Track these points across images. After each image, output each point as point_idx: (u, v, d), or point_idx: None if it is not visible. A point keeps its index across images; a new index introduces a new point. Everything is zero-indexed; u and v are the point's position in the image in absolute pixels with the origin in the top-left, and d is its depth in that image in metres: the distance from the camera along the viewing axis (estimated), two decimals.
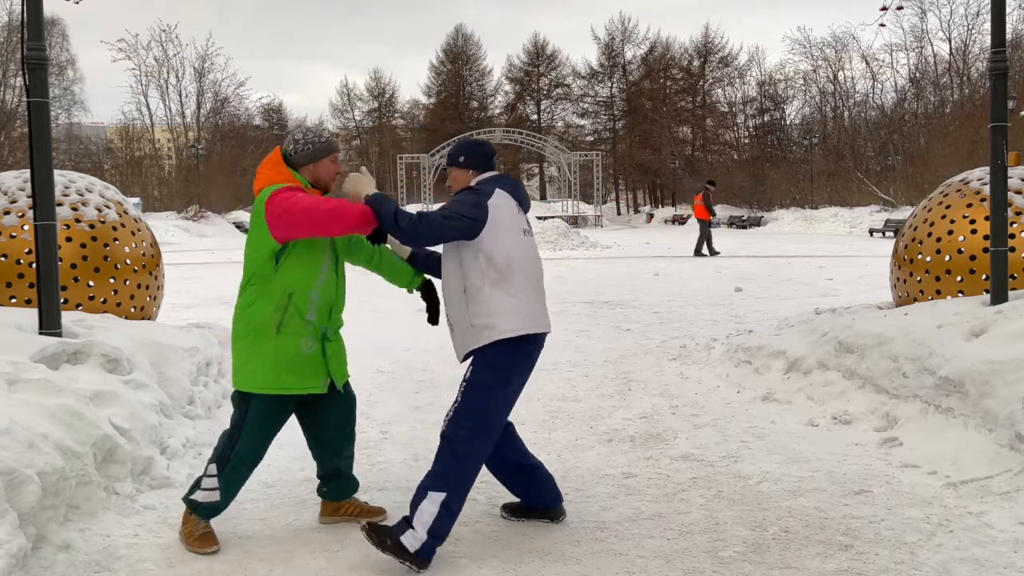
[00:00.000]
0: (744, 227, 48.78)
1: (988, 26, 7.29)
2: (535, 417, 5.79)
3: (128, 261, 6.61)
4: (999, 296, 5.61)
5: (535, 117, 73.64)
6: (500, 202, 3.51)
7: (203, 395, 5.47)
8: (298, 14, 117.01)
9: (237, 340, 3.61)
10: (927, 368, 5.10)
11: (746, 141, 67.06)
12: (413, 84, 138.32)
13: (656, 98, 69.67)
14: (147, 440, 4.41)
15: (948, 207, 6.75)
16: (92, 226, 6.51)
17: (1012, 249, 6.07)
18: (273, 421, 3.63)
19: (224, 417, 5.52)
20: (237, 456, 3.56)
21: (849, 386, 5.74)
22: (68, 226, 6.40)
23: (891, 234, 33.58)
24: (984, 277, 6.18)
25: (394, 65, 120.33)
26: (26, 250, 6.18)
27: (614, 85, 72.90)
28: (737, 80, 67.23)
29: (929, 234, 6.70)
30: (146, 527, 3.79)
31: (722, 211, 54.77)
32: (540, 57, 73.76)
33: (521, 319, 3.45)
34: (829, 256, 21.37)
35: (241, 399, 3.60)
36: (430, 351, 8.46)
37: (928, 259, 6.63)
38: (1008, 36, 7.28)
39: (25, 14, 5.02)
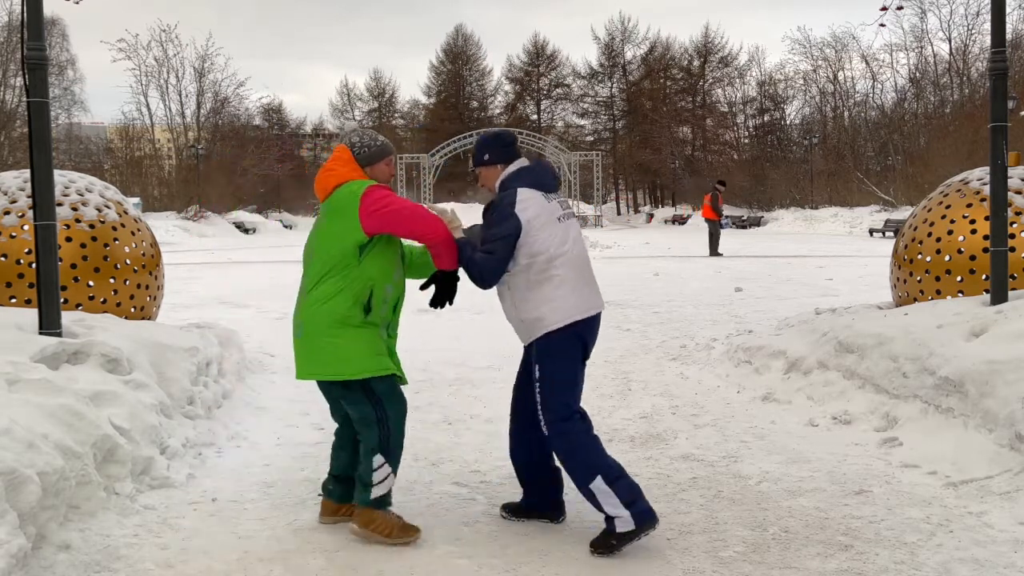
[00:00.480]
0: (744, 227, 48.78)
1: (988, 26, 7.29)
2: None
3: (128, 261, 6.61)
4: (999, 296, 5.61)
5: (535, 117, 73.64)
6: (525, 202, 3.58)
7: (203, 395, 5.46)
8: (298, 14, 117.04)
9: (321, 335, 3.57)
10: (927, 368, 5.10)
11: (746, 141, 67.08)
12: (413, 84, 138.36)
13: (656, 98, 69.66)
14: (147, 440, 4.41)
15: (948, 207, 6.75)
16: (92, 226, 6.51)
17: (1012, 249, 6.07)
18: (395, 388, 3.67)
19: (224, 417, 5.54)
20: (395, 432, 3.62)
21: (849, 386, 5.74)
22: (68, 226, 6.40)
23: (891, 234, 33.58)
24: (984, 277, 6.18)
25: (394, 65, 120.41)
26: (26, 250, 6.18)
27: (614, 85, 72.90)
28: (737, 80, 67.28)
29: (929, 234, 6.70)
30: (146, 527, 3.79)
31: (723, 211, 54.71)
32: (540, 57, 73.77)
33: (567, 308, 3.57)
34: (829, 256, 21.38)
35: (362, 388, 3.59)
36: (430, 351, 8.46)
37: (928, 259, 6.63)
38: (1008, 36, 7.28)
39: (25, 14, 5.02)
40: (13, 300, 6.17)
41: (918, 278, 6.69)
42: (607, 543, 3.49)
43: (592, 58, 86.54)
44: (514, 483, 4.41)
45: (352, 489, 3.85)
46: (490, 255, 3.53)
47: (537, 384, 3.61)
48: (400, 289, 3.74)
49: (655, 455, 4.93)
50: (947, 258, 6.53)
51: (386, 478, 3.61)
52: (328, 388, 3.72)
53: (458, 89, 73.98)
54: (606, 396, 6.39)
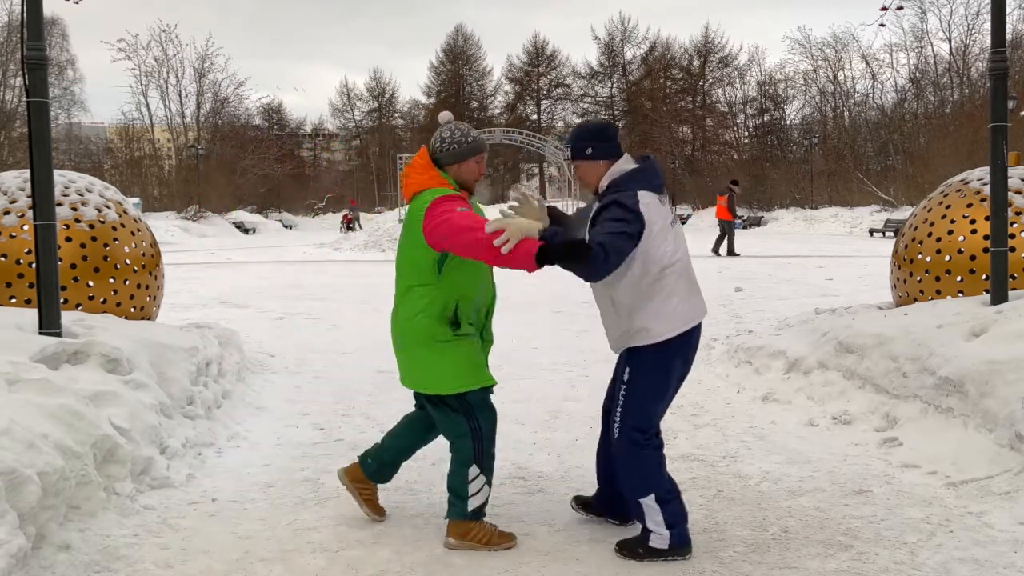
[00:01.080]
0: (744, 227, 48.75)
1: (988, 26, 7.29)
2: (535, 417, 5.79)
3: (128, 261, 6.61)
4: (999, 296, 5.61)
5: (535, 117, 73.58)
6: (647, 206, 3.35)
7: (203, 395, 5.46)
8: (298, 14, 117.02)
9: (414, 348, 3.52)
10: (927, 368, 5.09)
11: (746, 141, 67.05)
12: (413, 84, 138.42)
13: (656, 98, 69.62)
14: (147, 440, 4.41)
15: (948, 207, 6.75)
16: (92, 226, 6.51)
17: (1012, 249, 6.07)
18: (486, 399, 3.62)
19: (224, 417, 5.54)
20: (488, 443, 3.57)
21: (849, 386, 5.74)
22: (68, 226, 6.40)
23: (891, 234, 33.58)
24: (984, 277, 6.18)
25: (393, 65, 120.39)
26: (26, 250, 6.18)
27: (614, 85, 72.85)
28: (737, 80, 67.23)
29: (929, 234, 6.69)
30: (146, 527, 3.79)
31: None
32: (540, 57, 73.72)
33: (675, 321, 3.42)
34: (829, 256, 21.37)
35: (458, 401, 3.54)
36: None
37: (928, 259, 6.63)
38: (1008, 36, 7.28)
39: (25, 14, 5.02)
40: (13, 300, 6.17)
41: (918, 278, 6.69)
42: (634, 550, 3.47)
43: (592, 58, 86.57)
44: (514, 483, 4.42)
45: (388, 472, 3.90)
46: (616, 244, 3.23)
47: (624, 387, 3.48)
48: (490, 293, 3.65)
49: None
50: (947, 258, 6.53)
51: (481, 489, 3.57)
52: (427, 398, 3.65)
53: (458, 89, 73.92)
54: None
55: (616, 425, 3.50)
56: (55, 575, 3.26)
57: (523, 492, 4.30)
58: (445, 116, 3.71)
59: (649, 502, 3.44)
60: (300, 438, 5.35)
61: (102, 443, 3.98)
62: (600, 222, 3.33)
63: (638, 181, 3.42)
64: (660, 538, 3.44)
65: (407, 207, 3.59)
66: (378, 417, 5.87)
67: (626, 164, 3.50)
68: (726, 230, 22.00)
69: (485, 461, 3.57)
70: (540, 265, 3.22)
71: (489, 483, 3.61)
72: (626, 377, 3.49)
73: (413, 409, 3.93)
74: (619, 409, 3.49)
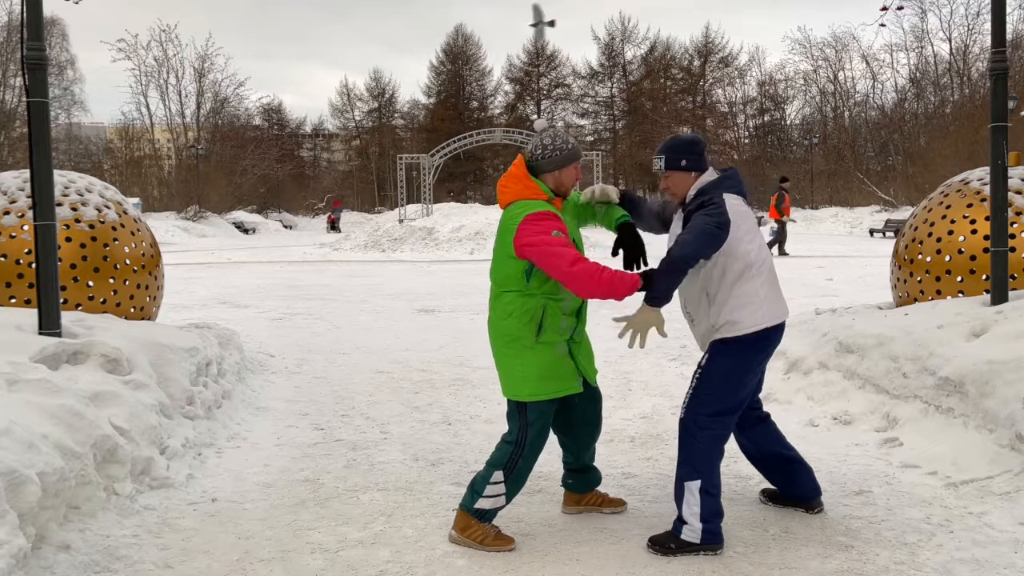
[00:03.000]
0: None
1: (988, 26, 7.28)
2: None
3: (128, 261, 6.61)
4: (999, 296, 5.61)
5: (535, 117, 73.57)
6: (734, 207, 3.56)
7: (203, 395, 5.46)
8: (296, 14, 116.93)
9: (499, 350, 3.65)
10: (927, 368, 5.09)
11: (746, 141, 67.05)
12: (412, 84, 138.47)
13: (656, 98, 69.61)
14: (147, 440, 4.41)
15: (948, 207, 6.75)
16: (92, 226, 6.51)
17: (1012, 249, 6.06)
18: (548, 420, 3.68)
19: (224, 417, 5.54)
20: (524, 460, 3.62)
21: (849, 386, 5.74)
22: (68, 226, 6.40)
23: (891, 234, 33.58)
24: (984, 277, 6.17)
25: (393, 65, 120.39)
26: (26, 250, 6.18)
27: (614, 85, 72.82)
28: (737, 80, 67.23)
29: (929, 234, 6.69)
30: (146, 527, 3.79)
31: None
32: (540, 57, 73.71)
33: (761, 315, 3.57)
34: (829, 256, 21.36)
35: (518, 408, 3.62)
36: (430, 351, 8.46)
37: (928, 259, 6.63)
38: (1008, 36, 7.28)
39: (25, 14, 5.02)
40: (13, 300, 6.17)
41: (918, 278, 6.69)
42: (666, 544, 3.50)
43: (592, 58, 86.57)
44: None
45: (592, 476, 3.97)
46: (695, 252, 3.43)
47: (699, 371, 3.60)
48: (577, 299, 3.68)
49: (655, 455, 4.93)
50: (947, 258, 6.52)
51: (496, 497, 3.60)
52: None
53: (458, 89, 73.88)
54: (606, 396, 6.37)
55: (683, 406, 3.61)
56: (55, 575, 3.26)
57: (523, 492, 4.29)
58: (542, 124, 3.84)
59: (693, 487, 3.49)
60: (300, 438, 5.35)
61: (102, 443, 3.98)
62: (690, 224, 3.52)
63: (725, 187, 3.63)
64: (692, 531, 3.47)
65: (501, 213, 3.70)
66: (377, 417, 5.87)
67: (711, 176, 3.71)
68: (781, 229, 21.92)
69: (514, 478, 3.61)
70: (660, 303, 3.46)
71: (508, 498, 3.63)
72: (703, 362, 3.61)
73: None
74: (690, 391, 3.61)
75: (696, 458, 3.52)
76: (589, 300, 3.56)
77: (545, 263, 3.41)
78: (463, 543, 3.59)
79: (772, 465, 3.97)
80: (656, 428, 5.50)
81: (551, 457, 4.88)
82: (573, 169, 3.70)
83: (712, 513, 3.50)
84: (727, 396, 3.58)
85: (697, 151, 3.70)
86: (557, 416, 3.84)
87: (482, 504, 3.58)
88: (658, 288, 3.43)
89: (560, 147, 3.65)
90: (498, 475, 3.59)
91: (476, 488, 3.62)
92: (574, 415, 3.85)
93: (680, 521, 3.52)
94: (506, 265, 3.57)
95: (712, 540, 3.49)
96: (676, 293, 3.73)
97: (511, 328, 3.57)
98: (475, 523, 3.60)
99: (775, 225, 22.19)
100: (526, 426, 3.60)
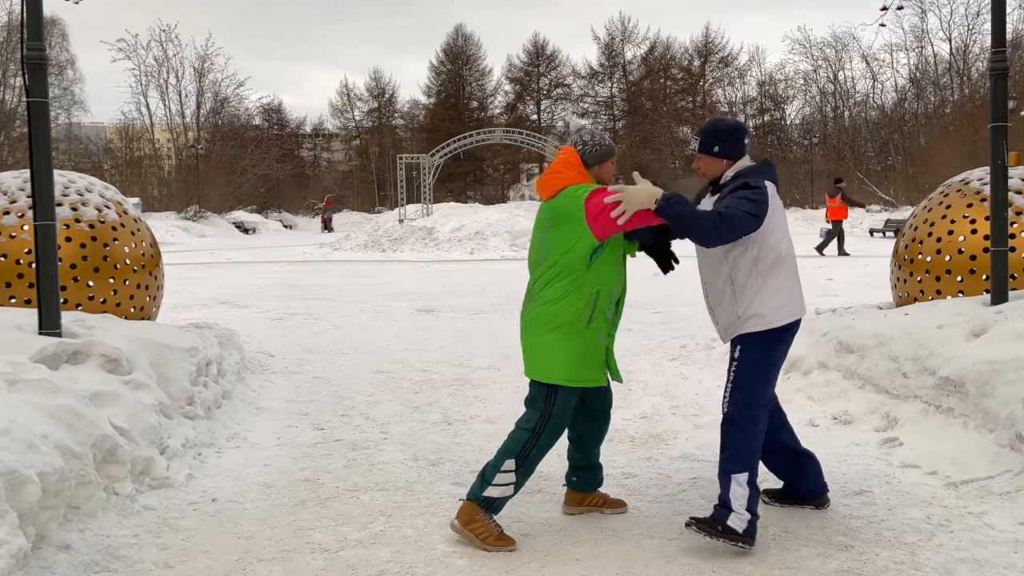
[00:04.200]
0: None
1: (988, 26, 7.28)
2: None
3: (128, 261, 6.61)
4: (999, 296, 5.61)
5: (535, 117, 73.57)
6: (772, 195, 3.58)
7: (203, 395, 5.46)
8: (296, 14, 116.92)
9: (543, 333, 3.64)
10: (927, 368, 5.09)
11: (746, 141, 67.00)
12: (411, 84, 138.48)
13: (656, 98, 69.58)
14: (147, 440, 4.41)
15: (948, 207, 6.75)
16: (92, 226, 6.51)
17: (1012, 249, 6.06)
18: (568, 413, 3.71)
19: (224, 417, 5.53)
20: (538, 450, 3.63)
21: (849, 386, 5.74)
22: (68, 226, 6.40)
23: (891, 234, 33.58)
24: (984, 277, 6.17)
25: (392, 65, 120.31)
26: (26, 250, 6.18)
27: (614, 85, 72.82)
28: (737, 80, 67.23)
29: (929, 234, 6.69)
30: (146, 527, 3.79)
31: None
32: (540, 57, 73.68)
33: (788, 309, 3.60)
34: (829, 256, 21.37)
35: (548, 392, 3.64)
36: (430, 351, 8.46)
37: (928, 259, 6.63)
38: (1008, 36, 7.28)
39: (25, 14, 5.02)
40: (13, 300, 6.17)
41: (918, 278, 6.69)
42: (713, 527, 3.47)
43: (592, 58, 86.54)
44: None
45: (595, 475, 3.99)
46: (736, 217, 3.42)
47: (735, 364, 3.61)
48: (623, 288, 3.78)
49: (655, 455, 4.93)
50: (947, 258, 6.52)
51: (506, 486, 3.60)
52: (530, 383, 3.74)
53: (458, 89, 73.87)
54: None
55: (725, 400, 3.61)
56: (55, 575, 3.26)
57: (523, 492, 4.28)
58: (577, 122, 3.86)
59: (741, 479, 3.50)
60: (300, 438, 5.35)
61: (102, 443, 3.98)
62: (730, 198, 3.53)
63: (764, 174, 3.64)
64: (740, 519, 3.47)
65: (543, 204, 3.73)
66: (377, 417, 5.87)
67: (747, 162, 3.72)
68: (839, 230, 21.95)
69: (525, 465, 3.62)
70: (662, 214, 3.48)
71: (516, 488, 3.64)
72: (737, 354, 3.62)
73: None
74: (729, 386, 3.62)
75: (745, 451, 3.54)
76: (627, 292, 3.78)
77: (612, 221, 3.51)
78: (465, 536, 3.58)
79: (783, 457, 3.96)
80: (656, 428, 5.50)
81: (551, 457, 4.87)
82: (611, 164, 3.81)
83: (755, 507, 3.51)
84: (763, 388, 3.62)
85: (735, 139, 3.72)
86: (575, 419, 3.87)
87: (491, 492, 3.59)
88: (676, 210, 3.43)
89: (600, 142, 3.77)
90: (510, 463, 3.59)
91: (486, 476, 3.62)
92: (589, 408, 3.88)
93: (726, 508, 3.49)
94: (567, 248, 3.59)
95: (751, 534, 3.49)
96: (699, 282, 3.81)
97: (562, 312, 3.59)
98: (480, 517, 3.59)
99: (829, 226, 22.23)
100: (548, 415, 3.62)
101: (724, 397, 3.64)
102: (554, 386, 3.63)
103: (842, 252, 21.56)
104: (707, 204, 3.73)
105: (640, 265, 4.68)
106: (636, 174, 3.69)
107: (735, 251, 3.59)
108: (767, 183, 3.59)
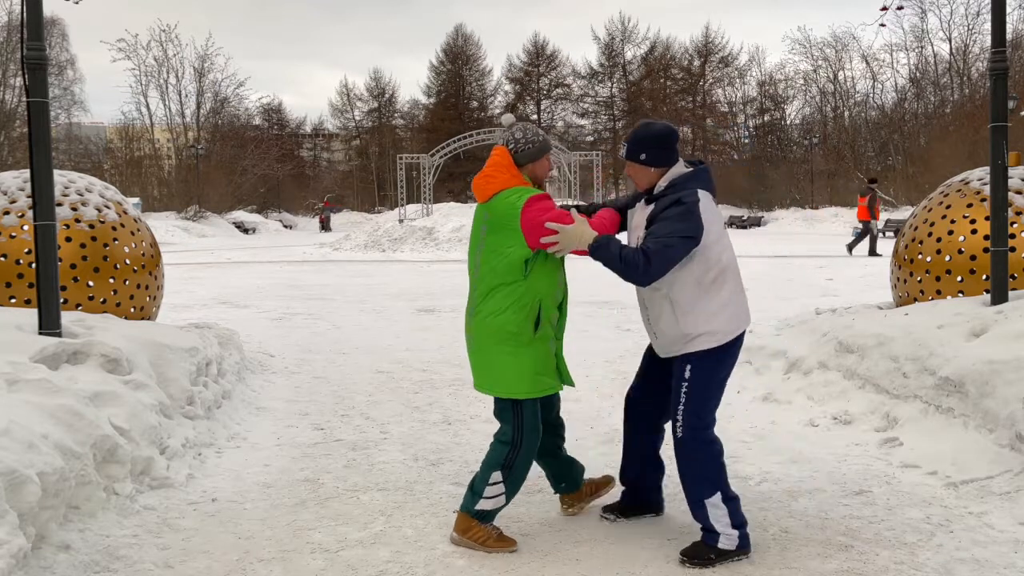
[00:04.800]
0: (744, 227, 48.76)
1: (988, 26, 7.29)
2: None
3: (128, 261, 6.61)
4: (999, 296, 5.61)
5: (535, 117, 73.56)
6: (707, 207, 3.40)
7: (203, 395, 5.46)
8: (296, 14, 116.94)
9: (490, 348, 3.57)
10: (927, 368, 5.09)
11: (746, 141, 67.04)
12: (412, 84, 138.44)
13: (656, 98, 69.56)
14: (147, 440, 4.41)
15: (948, 207, 6.75)
16: (92, 226, 6.51)
17: (1012, 249, 6.06)
18: (538, 416, 3.65)
19: (224, 417, 5.53)
20: (521, 459, 3.59)
21: (849, 386, 5.74)
22: (68, 226, 6.40)
23: (891, 234, 33.59)
24: (984, 277, 6.17)
25: (392, 65, 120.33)
26: (26, 250, 6.18)
27: (614, 85, 72.82)
28: (737, 80, 67.24)
29: (929, 234, 6.69)
30: (146, 527, 3.79)
31: (722, 211, 54.62)
32: (540, 57, 73.69)
33: (736, 322, 3.47)
34: (829, 256, 21.37)
35: (513, 407, 3.58)
36: (430, 351, 8.46)
37: (928, 259, 6.63)
38: (1008, 36, 7.28)
39: (25, 14, 5.02)
40: (13, 300, 6.17)
41: (918, 278, 6.69)
42: (704, 556, 3.40)
43: (592, 58, 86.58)
44: None
45: (577, 471, 3.93)
46: (669, 249, 3.29)
47: (685, 385, 3.46)
48: (565, 290, 3.72)
49: None
50: (947, 258, 6.52)
51: (496, 497, 3.58)
52: (494, 399, 3.69)
53: (458, 89, 73.86)
54: (606, 396, 6.38)
55: (679, 425, 3.49)
56: (55, 575, 3.26)
57: (523, 492, 4.28)
58: (509, 118, 3.82)
59: (715, 501, 3.42)
60: (300, 438, 5.35)
61: (102, 443, 3.98)
62: (660, 221, 3.38)
63: (698, 182, 3.47)
64: (728, 539, 3.41)
65: (479, 206, 3.66)
66: (377, 417, 5.87)
67: (681, 168, 3.54)
68: (868, 230, 21.86)
69: (512, 475, 3.59)
70: (594, 258, 3.43)
71: (508, 498, 3.62)
72: (687, 374, 3.47)
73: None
74: (681, 407, 3.48)
75: (708, 472, 3.45)
76: (568, 296, 3.70)
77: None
78: (465, 544, 3.58)
79: (648, 465, 3.86)
80: None
81: None
82: (546, 160, 3.70)
83: (740, 516, 3.45)
84: (714, 405, 3.52)
85: (664, 145, 3.50)
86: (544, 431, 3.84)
87: (483, 505, 3.58)
88: (603, 256, 3.37)
89: (533, 139, 3.64)
90: (496, 475, 3.57)
91: (475, 489, 3.61)
92: (547, 414, 3.83)
93: (712, 533, 3.43)
94: (503, 255, 3.51)
95: (746, 544, 3.45)
96: (637, 299, 3.66)
97: (507, 323, 3.51)
98: (476, 524, 3.59)
99: (859, 226, 22.10)
100: (521, 425, 3.58)
101: (675, 420, 3.49)
102: (517, 400, 3.57)
103: (872, 253, 21.39)
104: (641, 215, 3.55)
105: None
106: (573, 211, 3.56)
107: (672, 271, 3.40)
108: (700, 193, 3.40)
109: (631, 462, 3.89)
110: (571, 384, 3.78)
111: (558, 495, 4.03)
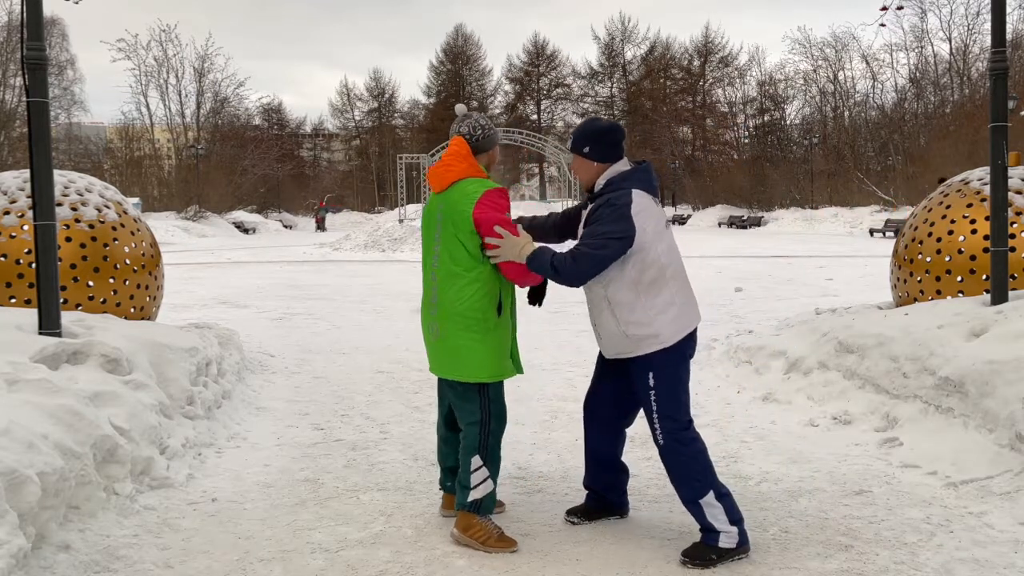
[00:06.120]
0: (744, 227, 48.78)
1: (988, 26, 7.29)
2: (535, 417, 5.79)
3: (128, 261, 6.61)
4: (999, 296, 5.61)
5: (535, 117, 73.60)
6: (642, 206, 3.37)
7: (203, 395, 5.46)
8: (296, 14, 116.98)
9: (458, 333, 3.57)
10: (927, 368, 5.09)
11: (746, 141, 67.05)
12: (412, 84, 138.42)
13: (656, 98, 69.61)
14: (147, 440, 4.41)
15: (948, 207, 6.75)
16: (92, 226, 6.51)
17: (1012, 249, 6.07)
18: (503, 395, 3.69)
19: (224, 417, 5.53)
20: (493, 436, 3.62)
21: (849, 386, 5.74)
22: (68, 226, 6.40)
23: (891, 234, 33.59)
24: (984, 277, 6.18)
25: (392, 65, 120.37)
26: (26, 250, 6.18)
27: (614, 85, 72.87)
28: (737, 80, 67.26)
29: (929, 234, 6.70)
30: (146, 527, 3.79)
31: (722, 211, 54.75)
32: (540, 57, 73.74)
33: (680, 324, 3.46)
34: (829, 256, 21.37)
35: (479, 390, 3.62)
36: None
37: (928, 259, 6.63)
38: (1008, 36, 7.28)
39: (25, 14, 5.02)
40: (13, 300, 6.17)
41: (918, 278, 6.69)
42: (706, 556, 3.38)
43: (592, 58, 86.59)
44: (513, 483, 4.41)
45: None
46: (598, 251, 3.32)
47: (652, 393, 3.46)
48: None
49: (655, 455, 4.92)
50: (947, 258, 6.53)
51: (484, 482, 3.59)
52: (450, 385, 3.71)
53: (458, 89, 73.89)
54: None
55: (658, 433, 3.48)
56: (55, 575, 3.26)
57: (523, 492, 4.30)
58: (462, 108, 3.84)
59: (709, 500, 3.41)
60: (300, 438, 5.35)
61: (102, 443, 3.98)
62: (593, 223, 3.42)
63: (635, 180, 3.46)
64: (728, 536, 3.40)
65: (434, 196, 3.69)
66: (377, 417, 5.87)
67: (623, 167, 3.54)
68: None
69: (490, 455, 3.61)
70: (531, 268, 3.50)
71: (494, 480, 3.62)
72: (651, 382, 3.47)
73: (440, 408, 3.92)
74: (655, 415, 3.48)
75: (696, 472, 3.45)
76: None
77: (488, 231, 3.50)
78: (466, 543, 3.58)
79: (608, 469, 3.85)
80: None
81: (550, 457, 4.89)
82: (497, 149, 3.80)
83: (736, 512, 3.44)
84: (685, 402, 3.52)
85: (606, 141, 3.51)
86: (449, 419, 3.84)
87: (475, 495, 3.58)
88: (535, 265, 3.42)
89: (488, 127, 3.72)
90: (476, 460, 3.58)
91: (464, 483, 3.62)
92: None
93: (711, 532, 3.42)
94: (465, 243, 3.54)
95: (745, 541, 3.45)
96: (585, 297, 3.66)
97: (472, 309, 3.54)
98: (477, 521, 3.59)
99: None
100: (488, 403, 3.61)
101: (653, 428, 3.49)
102: (484, 384, 3.61)
103: None
104: (586, 213, 3.58)
105: None
106: (520, 226, 3.62)
107: (613, 271, 3.39)
108: (635, 193, 3.38)
109: (592, 466, 3.88)
110: (520, 372, 3.77)
111: (442, 492, 3.98)
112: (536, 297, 3.81)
